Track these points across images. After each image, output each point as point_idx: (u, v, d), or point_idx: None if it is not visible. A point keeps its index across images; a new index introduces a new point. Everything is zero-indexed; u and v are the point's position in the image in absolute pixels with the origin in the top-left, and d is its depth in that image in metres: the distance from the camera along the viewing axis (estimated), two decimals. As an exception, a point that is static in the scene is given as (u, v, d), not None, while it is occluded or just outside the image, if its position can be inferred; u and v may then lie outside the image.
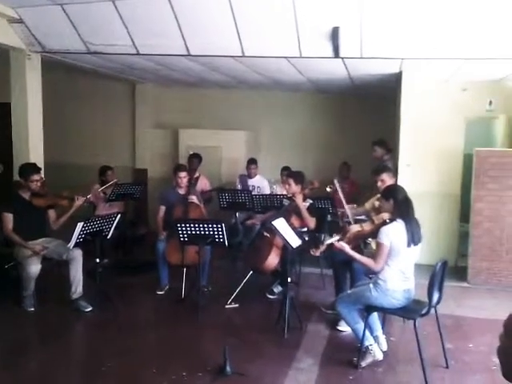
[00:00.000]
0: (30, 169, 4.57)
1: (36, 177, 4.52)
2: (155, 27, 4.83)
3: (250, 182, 6.61)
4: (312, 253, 3.79)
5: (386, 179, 4.29)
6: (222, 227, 4.32)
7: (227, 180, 7.36)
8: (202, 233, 4.38)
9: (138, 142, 8.29)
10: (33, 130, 5.55)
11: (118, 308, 4.45)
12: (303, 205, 4.51)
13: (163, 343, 3.89)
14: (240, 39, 4.77)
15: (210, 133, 7.66)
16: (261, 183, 6.61)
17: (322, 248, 3.67)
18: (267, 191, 6.47)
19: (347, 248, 3.45)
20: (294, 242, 3.87)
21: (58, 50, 5.35)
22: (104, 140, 8.39)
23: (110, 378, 3.29)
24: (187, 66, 5.92)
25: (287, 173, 4.92)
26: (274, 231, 4.04)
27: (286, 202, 4.85)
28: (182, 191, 5.22)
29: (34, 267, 4.24)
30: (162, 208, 5.21)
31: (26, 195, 4.55)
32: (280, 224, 3.82)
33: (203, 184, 6.24)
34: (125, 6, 4.60)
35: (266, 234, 4.57)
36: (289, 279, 3.94)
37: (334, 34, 4.56)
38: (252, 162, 6.64)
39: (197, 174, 6.12)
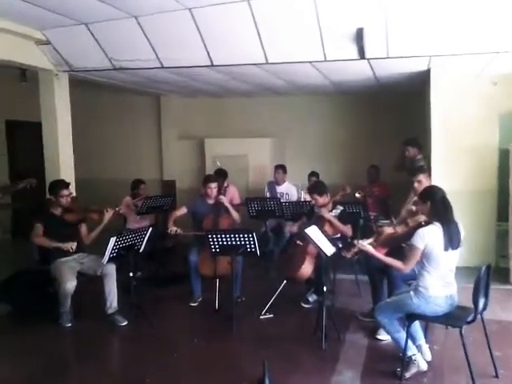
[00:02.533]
0: (58, 184, 4.66)
1: (65, 192, 4.60)
2: (178, 40, 4.85)
3: (279, 189, 6.55)
4: (343, 254, 3.72)
5: (423, 180, 4.18)
6: (253, 236, 4.27)
7: (255, 188, 7.32)
8: (234, 243, 4.34)
9: (165, 154, 8.36)
10: (63, 148, 5.66)
11: (153, 321, 4.44)
12: (331, 215, 4.43)
13: (200, 356, 3.85)
14: (263, 46, 4.74)
15: (236, 141, 7.65)
16: (289, 190, 6.54)
17: (354, 250, 3.58)
18: (296, 198, 6.41)
19: (371, 249, 3.36)
20: (328, 249, 3.78)
21: (84, 68, 5.46)
22: (131, 154, 8.51)
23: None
24: (210, 76, 5.93)
25: (309, 189, 4.82)
26: (307, 239, 3.97)
27: (317, 209, 4.76)
28: (211, 201, 5.20)
29: (70, 283, 4.28)
30: (183, 209, 5.17)
31: (58, 211, 4.62)
32: (313, 232, 3.74)
33: (231, 194, 6.20)
34: (147, 21, 4.65)
35: (298, 242, 4.50)
36: (324, 288, 3.84)
37: (359, 35, 4.48)
38: (279, 167, 6.59)
39: (225, 184, 6.08)
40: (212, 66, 5.08)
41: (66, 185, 4.66)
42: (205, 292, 5.00)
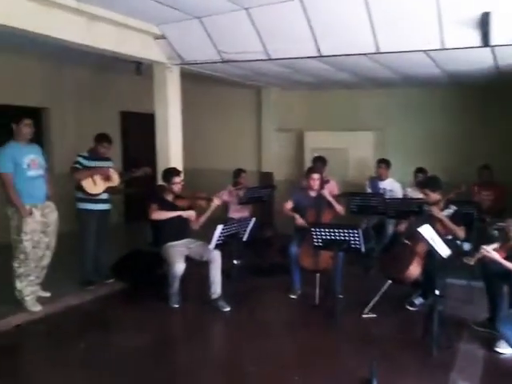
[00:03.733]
0: (172, 172, 4.92)
1: (177, 179, 4.84)
2: (286, 31, 4.84)
3: (381, 184, 6.30)
4: (466, 261, 3.45)
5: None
6: (358, 233, 4.16)
7: (354, 182, 7.13)
8: (338, 238, 4.26)
9: (264, 146, 8.46)
10: (173, 138, 5.94)
11: (254, 309, 4.53)
12: (443, 214, 4.14)
13: (302, 350, 3.84)
14: (375, 34, 4.54)
15: (336, 134, 7.51)
16: (392, 186, 6.26)
17: (478, 255, 3.31)
18: (399, 195, 6.12)
19: (497, 256, 3.08)
20: (444, 250, 3.55)
21: (195, 61, 5.66)
22: (231, 145, 8.73)
23: (254, 381, 3.33)
24: (316, 68, 5.85)
25: (421, 183, 4.51)
26: (418, 239, 3.76)
27: (427, 207, 4.49)
28: (313, 194, 5.15)
29: (180, 266, 4.50)
30: (290, 203, 5.17)
31: (170, 198, 4.88)
32: (427, 231, 3.53)
33: (331, 188, 6.08)
34: (257, 12, 4.69)
35: (406, 241, 4.28)
36: (437, 292, 3.61)
37: (484, 21, 4.11)
38: (382, 162, 6.33)
39: (326, 178, 5.99)
40: (320, 56, 5.00)
41: (178, 172, 4.91)
42: (303, 285, 4.98)
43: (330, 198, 5.10)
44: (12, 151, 4.18)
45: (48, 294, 4.66)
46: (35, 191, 4.30)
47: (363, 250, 4.21)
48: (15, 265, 4.29)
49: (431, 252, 3.80)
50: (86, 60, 6.97)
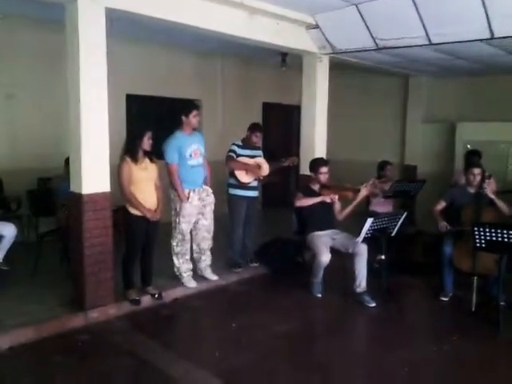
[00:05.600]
0: (319, 162, 4.92)
1: (324, 169, 4.81)
2: (452, 13, 4.45)
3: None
4: None
5: None
6: (533, 236, 3.69)
7: (516, 180, 6.38)
8: (505, 240, 3.83)
9: (409, 138, 8.02)
10: (319, 129, 5.93)
11: (402, 308, 4.32)
12: None
13: (459, 358, 3.53)
14: None
15: (495, 126, 6.77)
16: None
17: None
18: None
19: None
20: None
21: (347, 49, 5.55)
22: (373, 136, 8.44)
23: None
24: (481, 52, 5.31)
25: None
26: None
27: None
28: (472, 190, 4.71)
29: (326, 256, 4.48)
30: (442, 203, 4.81)
31: (316, 187, 4.87)
32: None
33: (492, 184, 5.49)
34: (419, -5, 4.40)
35: None
36: None
37: None
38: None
39: (487, 173, 5.43)
40: (492, 38, 4.51)
41: (326, 163, 4.88)
42: (455, 288, 4.61)
43: (493, 196, 4.61)
44: (178, 142, 4.50)
45: (216, 278, 4.88)
46: (195, 178, 4.59)
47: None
48: (173, 243, 4.66)
49: None
50: (237, 53, 7.31)
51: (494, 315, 3.94)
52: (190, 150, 4.53)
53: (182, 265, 4.70)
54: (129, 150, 4.09)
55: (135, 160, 4.08)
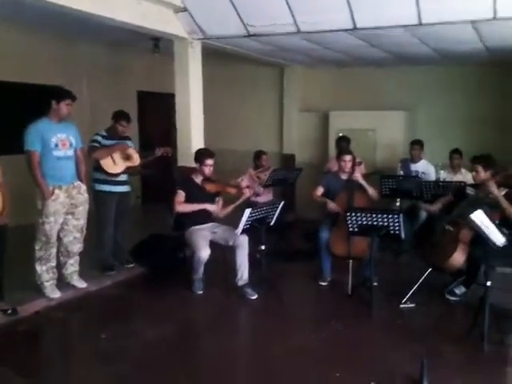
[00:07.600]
0: (205, 153, 4.67)
1: (210, 161, 4.59)
2: (319, 1, 4.49)
3: (414, 167, 5.97)
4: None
5: None
6: (399, 218, 3.88)
7: (383, 165, 6.77)
8: (376, 223, 3.98)
9: (286, 127, 8.14)
10: (194, 118, 5.66)
11: (282, 297, 4.29)
12: (501, 195, 3.80)
13: (338, 342, 3.58)
14: (418, 4, 4.17)
15: (363, 114, 7.15)
16: (426, 169, 5.93)
17: None
18: (433, 178, 5.79)
19: None
20: (498, 239, 3.24)
21: (218, 35, 5.35)
22: (251, 125, 8.42)
23: (285, 378, 3.09)
24: (347, 43, 5.48)
25: (474, 159, 4.15)
26: (461, 224, 3.45)
27: (470, 191, 4.17)
28: (344, 176, 4.85)
29: (205, 252, 4.27)
30: (320, 189, 4.90)
31: (198, 180, 4.63)
32: (480, 218, 3.21)
33: (362, 170, 5.77)
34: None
35: (448, 227, 3.98)
36: (488, 283, 3.32)
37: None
38: (416, 143, 6.00)
39: (358, 160, 5.68)
40: (354, 29, 4.65)
41: (212, 155, 4.64)
42: (333, 272, 4.73)
43: (363, 182, 4.79)
44: (41, 128, 3.94)
45: (85, 285, 4.42)
46: (62, 172, 4.06)
47: (403, 236, 3.93)
48: (36, 247, 4.09)
49: (477, 239, 3.51)
50: (106, 38, 6.69)
51: (368, 296, 4.09)
52: (55, 139, 3.98)
53: (44, 273, 4.13)
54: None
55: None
